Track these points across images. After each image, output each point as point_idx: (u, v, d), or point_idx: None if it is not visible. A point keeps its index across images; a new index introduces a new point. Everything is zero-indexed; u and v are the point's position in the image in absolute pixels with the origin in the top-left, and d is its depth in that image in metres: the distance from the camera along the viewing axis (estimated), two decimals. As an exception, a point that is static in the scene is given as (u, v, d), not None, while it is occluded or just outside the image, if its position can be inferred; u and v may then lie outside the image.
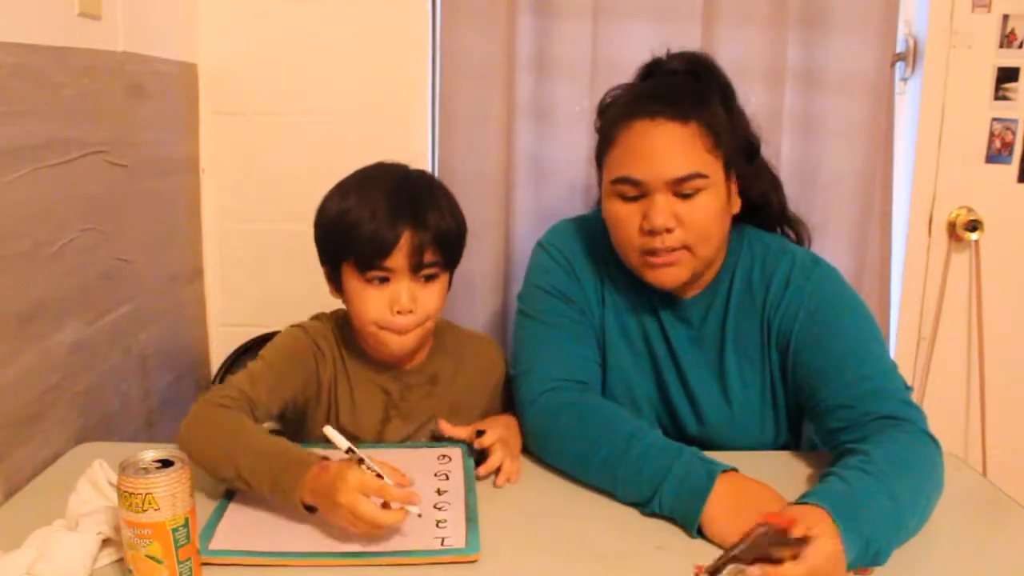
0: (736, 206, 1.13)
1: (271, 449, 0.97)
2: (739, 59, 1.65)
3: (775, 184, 1.22)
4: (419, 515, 0.92)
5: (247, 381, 1.10)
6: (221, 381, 1.56)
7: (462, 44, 1.65)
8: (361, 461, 0.92)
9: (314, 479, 0.92)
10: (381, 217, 1.08)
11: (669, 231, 1.06)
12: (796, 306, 1.11)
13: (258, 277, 1.78)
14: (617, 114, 1.11)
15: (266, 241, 1.77)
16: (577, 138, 1.70)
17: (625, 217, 1.09)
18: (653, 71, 1.15)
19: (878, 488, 0.91)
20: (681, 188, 1.05)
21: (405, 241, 1.08)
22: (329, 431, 0.94)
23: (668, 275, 1.09)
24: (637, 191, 1.07)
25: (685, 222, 1.06)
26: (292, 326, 1.22)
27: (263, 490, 0.95)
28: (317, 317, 1.24)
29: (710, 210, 1.06)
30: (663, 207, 1.05)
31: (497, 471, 1.09)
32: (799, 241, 1.23)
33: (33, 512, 0.95)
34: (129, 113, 1.39)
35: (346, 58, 1.70)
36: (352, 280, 1.13)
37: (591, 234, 1.21)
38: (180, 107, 1.64)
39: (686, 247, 1.07)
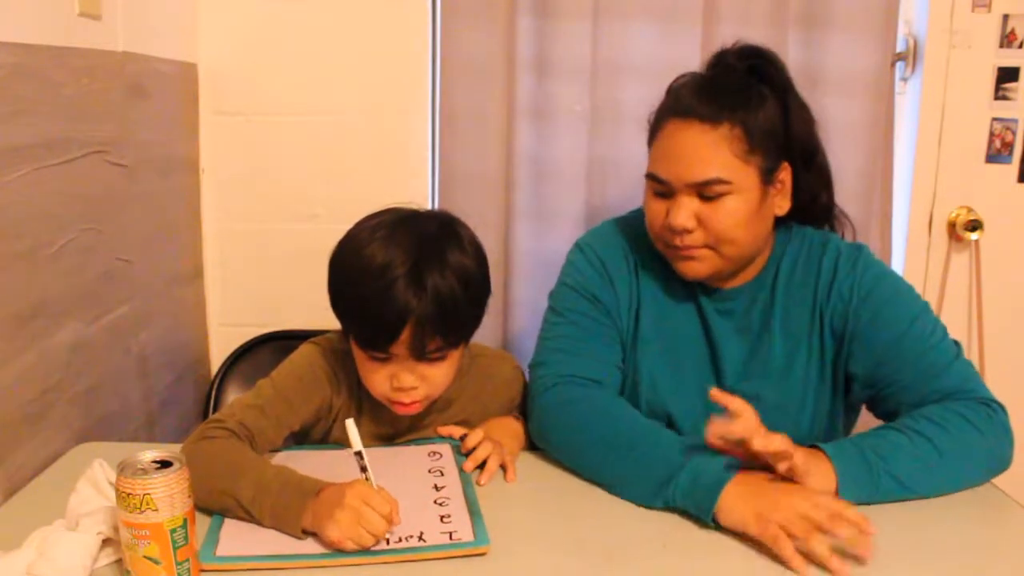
0: (783, 208, 1.13)
1: (273, 481, 0.94)
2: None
3: (827, 184, 1.20)
4: (387, 539, 0.90)
5: (254, 412, 1.06)
6: (222, 381, 1.56)
7: (462, 44, 1.65)
8: (364, 469, 0.92)
9: (316, 502, 0.91)
10: (385, 302, 1.01)
11: (688, 231, 1.07)
12: (848, 292, 1.12)
13: (258, 277, 1.78)
14: (663, 107, 1.13)
15: (266, 241, 1.77)
16: (577, 138, 1.69)
17: (655, 210, 1.12)
18: (716, 63, 1.14)
19: (891, 429, 1.02)
20: (704, 191, 1.06)
21: (407, 334, 1.03)
22: (350, 425, 0.93)
23: (690, 268, 1.12)
24: (664, 188, 1.09)
25: (707, 224, 1.07)
26: (311, 342, 1.17)
27: (263, 521, 0.93)
28: (338, 333, 1.16)
29: (735, 214, 1.07)
30: (684, 208, 1.07)
31: (482, 467, 1.09)
32: (842, 236, 1.23)
33: (33, 512, 0.95)
34: (129, 113, 1.39)
35: (346, 58, 1.70)
36: (356, 348, 1.09)
37: (630, 235, 1.21)
38: (180, 107, 1.64)
39: (708, 246, 1.08)
